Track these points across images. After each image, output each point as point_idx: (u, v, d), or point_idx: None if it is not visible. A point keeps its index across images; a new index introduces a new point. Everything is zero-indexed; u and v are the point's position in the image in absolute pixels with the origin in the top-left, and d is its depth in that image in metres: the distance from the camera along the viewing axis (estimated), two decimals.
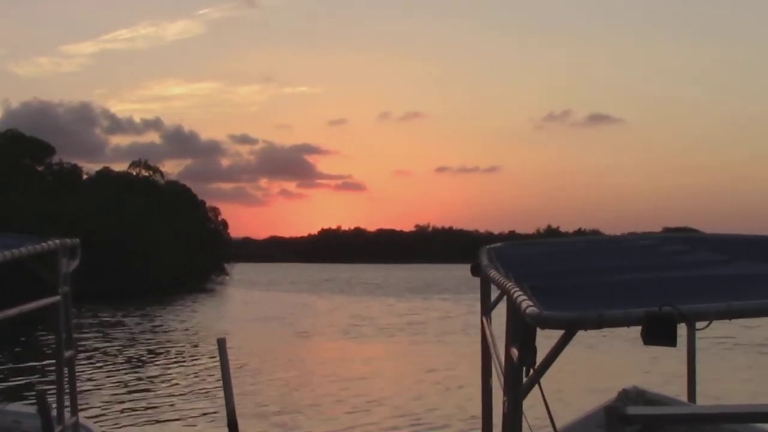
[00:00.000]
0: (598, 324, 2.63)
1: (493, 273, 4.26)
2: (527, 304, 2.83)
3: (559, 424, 6.99)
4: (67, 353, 7.08)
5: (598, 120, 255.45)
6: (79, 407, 7.67)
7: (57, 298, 6.83)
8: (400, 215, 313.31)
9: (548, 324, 2.66)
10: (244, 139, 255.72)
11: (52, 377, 7.92)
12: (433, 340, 33.93)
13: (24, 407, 9.03)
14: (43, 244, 6.52)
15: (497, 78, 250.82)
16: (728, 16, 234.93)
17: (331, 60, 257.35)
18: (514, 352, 3.20)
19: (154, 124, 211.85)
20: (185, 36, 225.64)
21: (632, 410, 2.36)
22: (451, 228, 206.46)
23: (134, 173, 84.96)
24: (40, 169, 69.36)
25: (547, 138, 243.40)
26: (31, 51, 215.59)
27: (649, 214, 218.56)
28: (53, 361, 7.40)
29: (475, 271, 5.50)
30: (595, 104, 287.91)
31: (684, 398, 7.28)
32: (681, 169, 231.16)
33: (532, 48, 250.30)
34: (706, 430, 6.06)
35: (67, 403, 7.21)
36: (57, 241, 6.75)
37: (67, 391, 7.17)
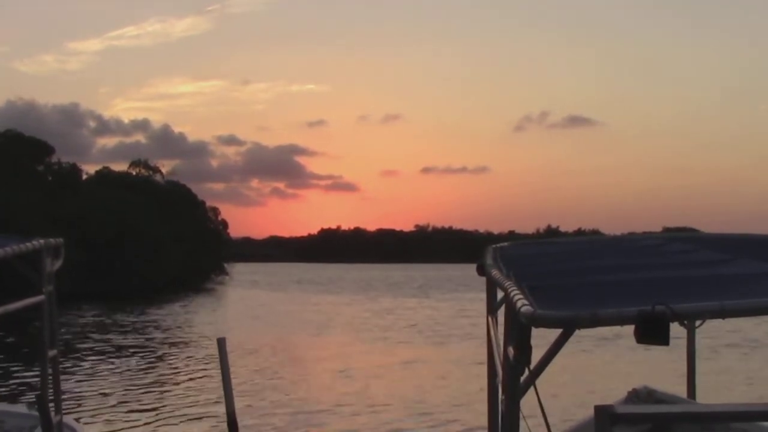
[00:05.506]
0: (592, 323, 2.61)
1: (495, 272, 4.26)
2: (522, 303, 2.81)
3: (566, 425, 6.98)
4: (51, 352, 7.09)
5: (580, 122, 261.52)
6: (79, 407, 7.68)
7: (41, 297, 6.85)
8: (396, 215, 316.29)
9: (542, 323, 2.64)
10: (231, 140, 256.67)
11: (34, 376, 7.93)
12: (436, 339, 33.95)
13: (7, 406, 8.99)
14: (27, 243, 6.54)
15: (479, 79, 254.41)
16: (722, 16, 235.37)
17: (316, 61, 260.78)
18: (511, 351, 3.20)
19: (142, 125, 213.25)
20: (192, 33, 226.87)
21: (621, 409, 2.35)
22: (450, 228, 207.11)
23: (134, 173, 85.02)
24: (39, 168, 69.35)
25: (534, 138, 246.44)
26: (35, 49, 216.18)
27: (649, 214, 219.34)
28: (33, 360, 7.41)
29: (481, 270, 5.47)
30: (576, 106, 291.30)
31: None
32: (680, 170, 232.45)
33: (513, 49, 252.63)
34: (713, 428, 6.06)
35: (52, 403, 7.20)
36: (41, 241, 6.78)
37: (51, 390, 7.16)
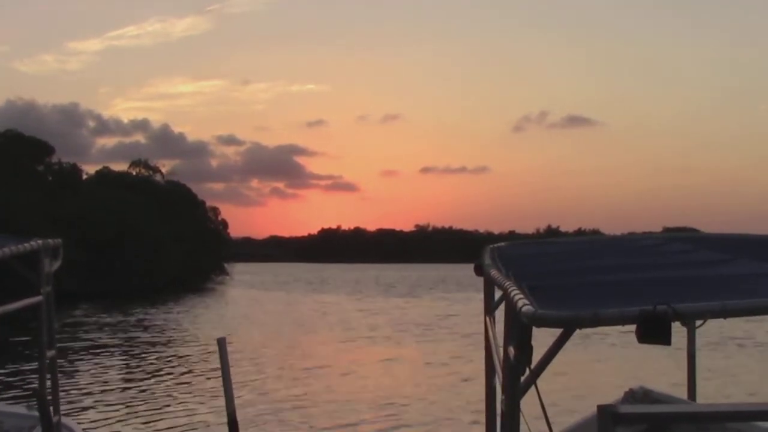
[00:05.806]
0: (594, 323, 2.60)
1: (494, 272, 4.24)
2: (523, 303, 2.80)
3: (563, 425, 6.98)
4: (50, 353, 7.07)
5: (580, 122, 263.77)
6: (78, 408, 7.66)
7: (39, 298, 6.84)
8: (396, 215, 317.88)
9: (544, 323, 2.63)
10: (231, 140, 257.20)
11: (33, 376, 7.90)
12: (434, 338, 33.95)
13: (6, 407, 8.98)
14: (26, 244, 6.52)
15: (479, 79, 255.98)
16: (722, 16, 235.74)
17: (316, 61, 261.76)
18: (512, 351, 3.18)
19: (142, 125, 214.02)
20: (192, 33, 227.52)
21: (625, 408, 2.34)
22: (451, 227, 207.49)
23: (134, 173, 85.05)
24: (39, 168, 69.36)
25: (534, 138, 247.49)
26: (35, 49, 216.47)
27: (649, 214, 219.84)
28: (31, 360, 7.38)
29: (479, 270, 5.44)
30: (576, 106, 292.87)
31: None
32: (680, 170, 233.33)
33: (513, 49, 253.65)
34: (708, 428, 6.06)
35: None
36: (39, 242, 6.76)
37: (49, 390, 7.15)
